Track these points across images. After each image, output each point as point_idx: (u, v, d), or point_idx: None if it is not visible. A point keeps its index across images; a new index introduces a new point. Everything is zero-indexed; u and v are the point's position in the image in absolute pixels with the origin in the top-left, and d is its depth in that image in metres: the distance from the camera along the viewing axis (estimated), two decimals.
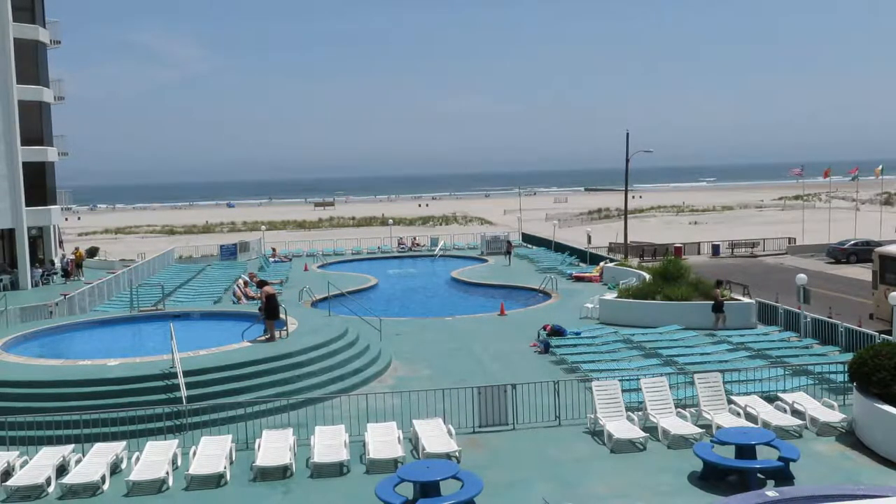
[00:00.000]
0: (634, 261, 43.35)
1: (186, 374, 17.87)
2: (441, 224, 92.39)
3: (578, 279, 37.49)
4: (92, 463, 14.59)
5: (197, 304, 30.86)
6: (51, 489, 14.08)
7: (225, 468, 14.43)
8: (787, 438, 15.33)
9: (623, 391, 17.03)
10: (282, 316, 21.74)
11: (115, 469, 14.89)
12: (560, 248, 49.02)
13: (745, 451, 13.79)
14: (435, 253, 51.38)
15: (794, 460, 13.63)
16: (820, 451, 15.12)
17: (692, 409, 16.78)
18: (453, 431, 15.71)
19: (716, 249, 55.50)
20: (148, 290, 31.76)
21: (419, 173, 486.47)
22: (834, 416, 16.18)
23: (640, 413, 16.57)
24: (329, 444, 15.27)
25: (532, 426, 16.80)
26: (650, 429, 16.06)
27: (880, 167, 69.28)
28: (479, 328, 27.05)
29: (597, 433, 16.24)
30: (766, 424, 15.79)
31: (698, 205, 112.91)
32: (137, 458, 14.75)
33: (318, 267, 45.94)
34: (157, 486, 14.14)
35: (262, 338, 21.20)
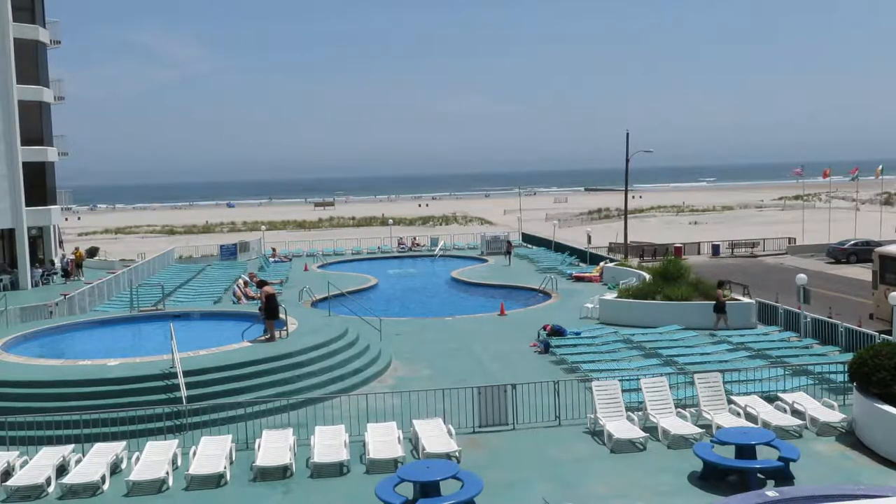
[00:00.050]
0: (634, 261, 43.35)
1: (186, 374, 17.87)
2: (441, 224, 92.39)
3: (578, 279, 37.49)
4: (92, 463, 14.59)
5: (197, 304, 30.86)
6: (51, 489, 14.08)
7: (225, 468, 14.43)
8: (787, 438, 15.33)
9: (623, 391, 17.03)
10: (282, 316, 21.74)
11: (115, 469, 14.89)
12: (560, 248, 49.02)
13: (745, 451, 13.79)
14: (435, 253, 51.38)
15: (794, 460, 13.63)
16: (820, 451, 15.12)
17: (692, 409, 16.78)
18: (453, 431, 15.71)
19: (716, 249, 55.50)
20: (148, 290, 31.76)
21: (419, 173, 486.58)
22: (834, 416, 16.18)
23: (640, 413, 16.57)
24: (329, 444, 15.27)
25: (532, 426, 16.80)
26: (650, 429, 16.06)
27: (880, 167, 69.29)
28: (479, 328, 27.05)
29: (597, 433, 16.24)
30: (766, 424, 15.79)
31: (698, 205, 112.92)
32: (137, 458, 14.75)
33: (318, 267, 45.95)
34: (157, 486, 14.14)
35: (262, 338, 21.20)
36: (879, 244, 37.45)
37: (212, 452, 14.96)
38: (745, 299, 27.75)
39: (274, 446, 15.18)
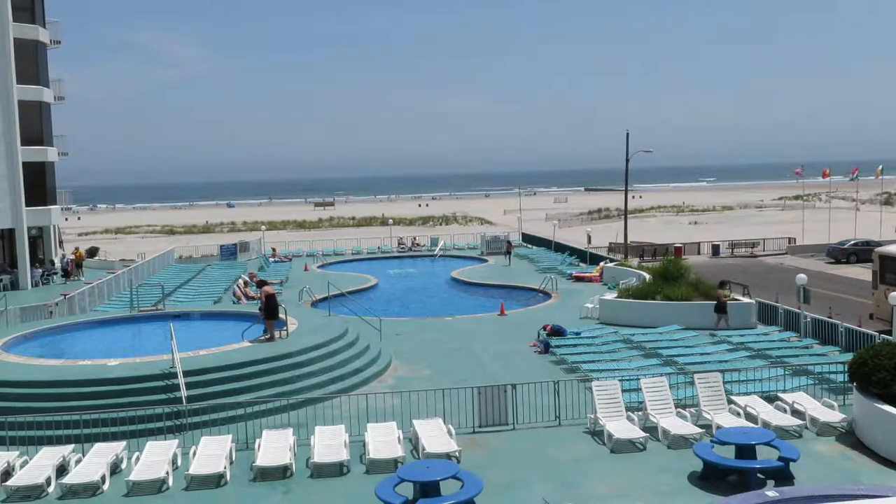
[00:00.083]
0: (634, 261, 43.36)
1: (186, 374, 17.87)
2: (441, 224, 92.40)
3: (578, 279, 37.49)
4: (92, 463, 14.59)
5: (197, 304, 30.86)
6: (51, 489, 14.08)
7: (225, 468, 14.43)
8: (787, 438, 15.33)
9: (623, 391, 17.03)
10: (282, 316, 21.74)
11: (115, 469, 14.89)
12: (560, 248, 49.02)
13: (745, 451, 13.79)
14: (435, 253, 51.38)
15: (794, 460, 13.63)
16: (820, 451, 15.12)
17: (692, 409, 16.78)
18: (453, 431, 15.71)
19: (716, 249, 55.50)
20: (148, 290, 31.76)
21: (419, 173, 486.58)
22: (834, 416, 16.18)
23: (640, 413, 16.57)
24: (329, 444, 15.27)
25: (532, 426, 16.80)
26: (650, 429, 16.06)
27: (880, 167, 69.31)
28: (479, 328, 27.05)
29: (597, 433, 16.24)
30: (766, 424, 15.78)
31: (698, 205, 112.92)
32: (137, 458, 14.75)
33: (318, 267, 45.95)
34: (157, 486, 14.14)
35: (262, 338, 21.20)
36: (879, 244, 37.45)
37: (212, 452, 14.96)
38: (745, 299, 27.75)
39: (274, 446, 15.18)
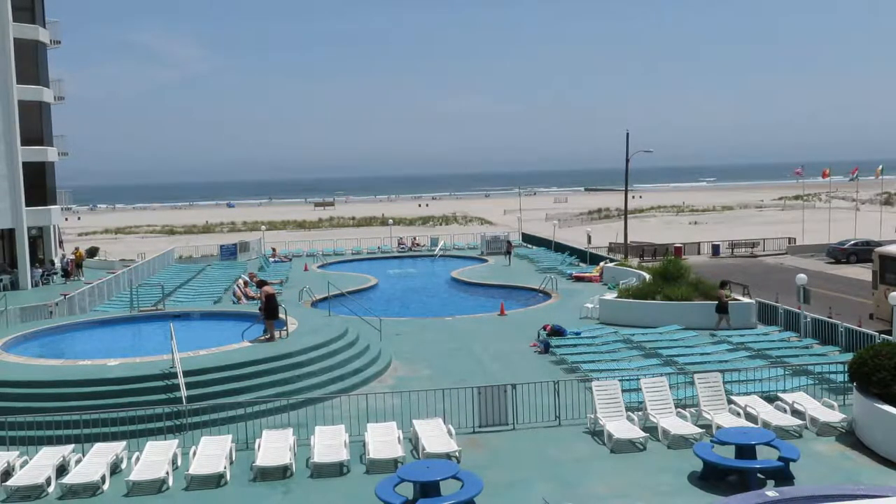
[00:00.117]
0: (634, 261, 43.36)
1: (186, 374, 17.87)
2: (441, 224, 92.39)
3: (578, 279, 37.49)
4: (92, 463, 14.59)
5: (197, 304, 30.86)
6: (51, 489, 14.08)
7: (225, 468, 14.43)
8: (787, 438, 15.33)
9: (623, 391, 17.03)
10: (281, 316, 21.74)
11: (115, 469, 14.89)
12: (560, 248, 49.02)
13: (745, 451, 13.79)
14: (435, 253, 51.38)
15: (794, 460, 13.63)
16: (820, 451, 15.12)
17: (692, 409, 16.78)
18: (453, 431, 15.71)
19: (716, 249, 55.50)
20: (148, 290, 31.76)
21: (419, 173, 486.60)
22: (834, 416, 16.18)
23: (640, 413, 16.57)
24: (329, 444, 15.27)
25: (532, 426, 16.80)
26: (650, 429, 16.06)
27: (880, 167, 69.29)
28: (479, 328, 27.05)
29: (597, 433, 16.24)
30: (766, 424, 15.78)
31: (698, 205, 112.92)
32: (137, 458, 14.75)
33: (318, 267, 45.95)
34: (157, 486, 14.14)
35: (262, 338, 21.20)
36: (879, 244, 37.45)
37: (212, 452, 14.96)
38: (746, 299, 27.75)
39: (274, 446, 15.18)
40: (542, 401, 17.21)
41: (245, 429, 16.27)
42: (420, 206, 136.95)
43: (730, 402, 17.14)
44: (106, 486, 14.15)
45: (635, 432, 15.67)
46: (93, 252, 52.82)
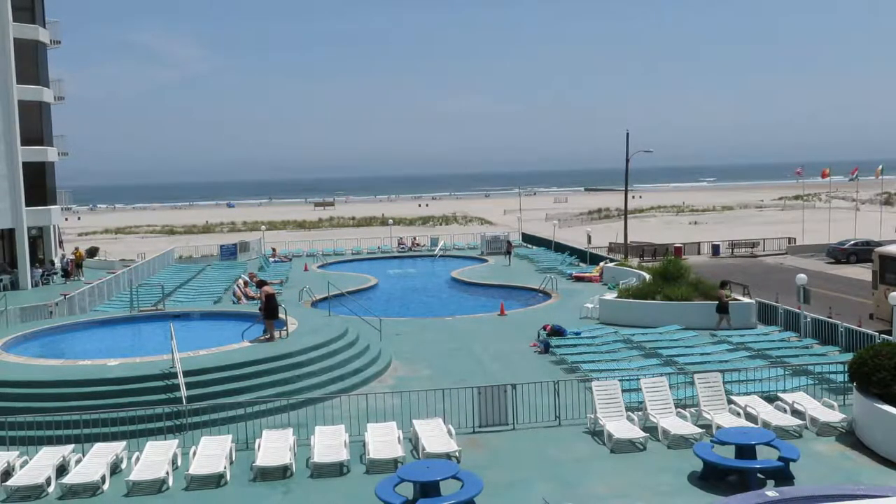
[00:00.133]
0: (634, 261, 43.36)
1: (186, 374, 17.87)
2: (441, 224, 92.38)
3: (578, 279, 37.49)
4: (92, 463, 14.59)
5: (197, 304, 30.86)
6: (51, 489, 14.08)
7: (225, 468, 14.43)
8: (787, 438, 15.33)
9: (623, 391, 17.02)
10: (281, 316, 21.73)
11: (115, 469, 14.89)
12: (560, 248, 49.02)
13: (745, 451, 13.79)
14: (435, 253, 51.37)
15: (794, 460, 13.63)
16: (820, 451, 15.12)
17: (692, 409, 16.78)
18: (453, 431, 15.71)
19: (716, 249, 55.49)
20: (148, 290, 31.76)
21: (419, 173, 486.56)
22: (834, 416, 16.17)
23: (640, 413, 16.57)
24: (329, 444, 15.27)
25: (532, 426, 16.80)
26: (650, 429, 16.06)
27: (880, 167, 69.24)
28: (479, 328, 27.05)
29: (597, 433, 16.24)
30: (766, 424, 15.78)
31: (698, 205, 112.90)
32: (137, 458, 14.75)
33: (318, 267, 45.94)
34: (157, 486, 14.14)
35: (262, 338, 21.20)
36: (879, 244, 37.45)
37: (212, 452, 14.96)
38: (746, 299, 27.75)
39: (274, 446, 15.18)
40: (542, 401, 17.21)
41: (245, 429, 16.27)
42: (420, 206, 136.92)
43: (730, 402, 17.14)
44: (106, 486, 14.15)
45: (635, 432, 15.67)
46: (93, 252, 52.82)
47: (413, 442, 15.72)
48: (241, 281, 36.04)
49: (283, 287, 36.24)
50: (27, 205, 39.19)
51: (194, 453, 14.97)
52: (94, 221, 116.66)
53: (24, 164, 39.06)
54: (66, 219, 67.18)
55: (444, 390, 17.28)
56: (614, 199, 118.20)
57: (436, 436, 15.44)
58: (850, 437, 15.71)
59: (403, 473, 12.82)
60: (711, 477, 13.79)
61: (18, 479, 14.03)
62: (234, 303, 32.02)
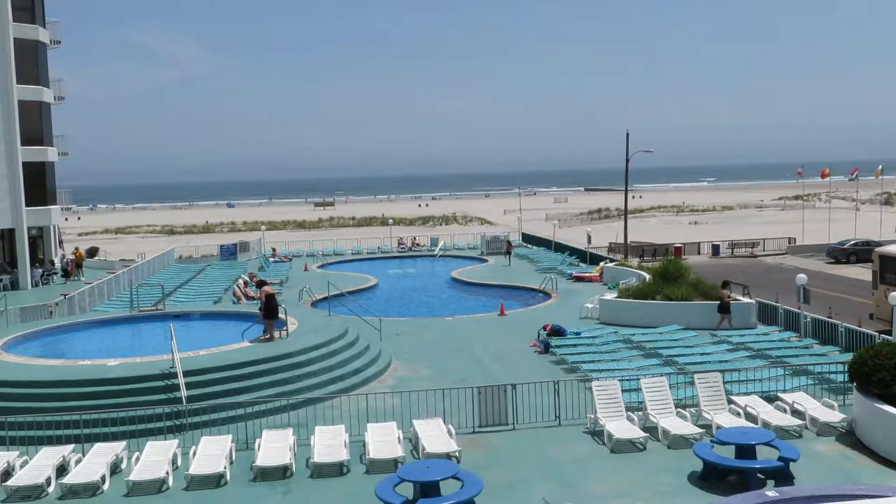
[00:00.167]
0: (634, 261, 43.36)
1: (186, 374, 17.87)
2: (441, 224, 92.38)
3: (578, 279, 37.49)
4: (92, 463, 14.59)
5: (197, 304, 30.86)
6: (51, 489, 14.08)
7: (225, 468, 14.43)
8: (787, 438, 15.33)
9: (623, 391, 17.02)
10: (281, 316, 21.73)
11: (115, 469, 14.89)
12: (560, 248, 49.02)
13: (745, 451, 13.79)
14: (435, 253, 51.37)
15: (794, 460, 13.63)
16: (820, 451, 15.12)
17: (692, 409, 16.78)
18: (453, 431, 15.71)
19: (716, 249, 55.50)
20: (148, 290, 31.75)
21: (419, 173, 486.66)
22: (834, 416, 16.18)
23: (640, 413, 16.57)
24: (329, 444, 15.27)
25: (532, 426, 16.80)
26: (650, 429, 16.06)
27: (880, 167, 69.22)
28: (479, 328, 27.05)
29: (597, 433, 16.24)
30: (766, 424, 15.78)
31: (698, 205, 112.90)
32: (137, 458, 14.75)
33: (318, 267, 45.94)
34: (157, 486, 14.14)
35: (262, 338, 21.20)
36: (879, 244, 37.44)
37: (212, 452, 14.96)
38: (746, 299, 27.75)
39: (274, 446, 15.18)
40: (542, 401, 17.21)
41: (245, 429, 16.27)
42: (420, 206, 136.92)
43: (730, 402, 17.14)
44: (106, 486, 14.15)
45: (635, 432, 15.67)
46: (93, 252, 52.81)
47: (413, 442, 15.72)
48: (241, 281, 36.04)
49: (283, 287, 36.24)
50: (27, 205, 39.20)
51: (194, 453, 14.97)
52: (94, 221, 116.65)
53: (24, 164, 39.06)
54: (66, 219, 67.14)
55: (444, 390, 17.28)
56: (614, 199, 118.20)
57: (436, 436, 15.44)
58: (850, 437, 15.71)
59: (403, 473, 12.82)
60: (711, 477, 13.79)
61: (18, 479, 14.03)
62: (234, 303, 32.02)
